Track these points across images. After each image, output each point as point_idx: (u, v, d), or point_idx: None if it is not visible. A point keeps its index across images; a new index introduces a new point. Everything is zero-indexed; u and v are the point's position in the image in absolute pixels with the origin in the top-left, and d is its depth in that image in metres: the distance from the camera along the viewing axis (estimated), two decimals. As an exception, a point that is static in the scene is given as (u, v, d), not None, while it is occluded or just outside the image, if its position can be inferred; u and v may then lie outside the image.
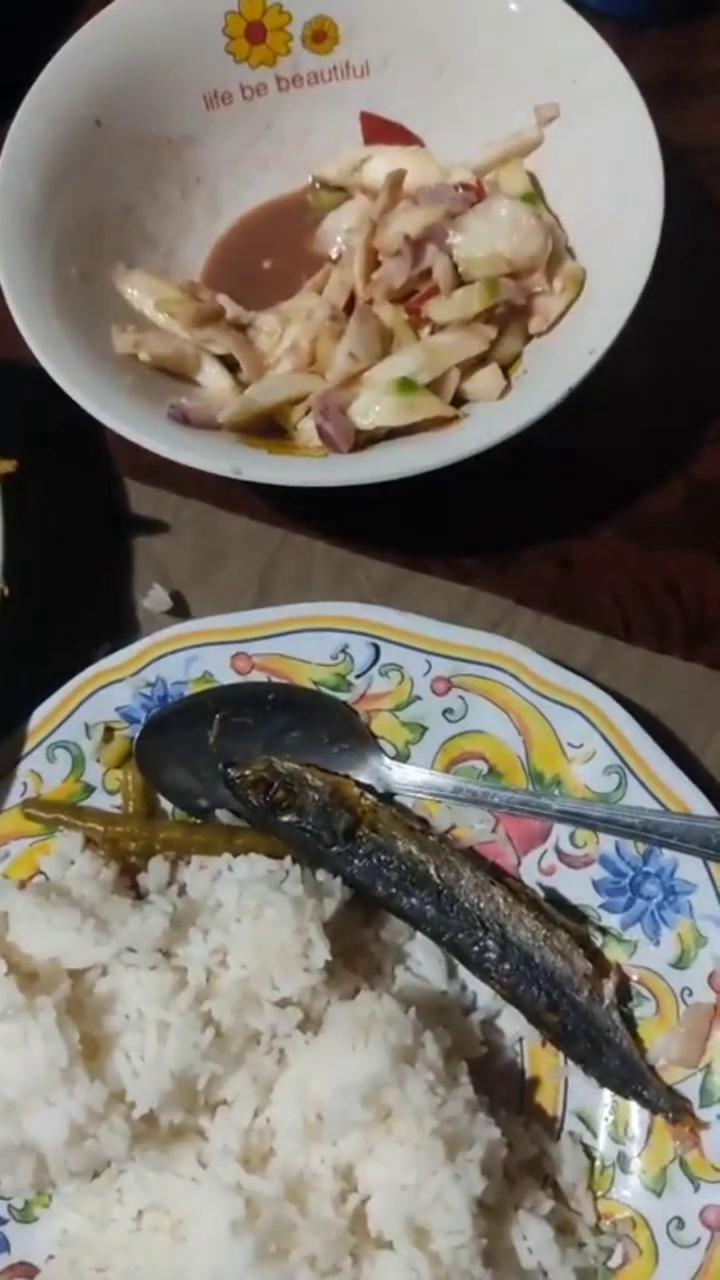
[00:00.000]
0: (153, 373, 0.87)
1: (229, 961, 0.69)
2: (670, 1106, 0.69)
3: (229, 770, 0.76)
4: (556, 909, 0.73)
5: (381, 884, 0.73)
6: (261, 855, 0.74)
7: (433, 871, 0.72)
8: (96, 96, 0.88)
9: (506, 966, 0.71)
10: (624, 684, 0.82)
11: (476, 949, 0.71)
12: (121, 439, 0.78)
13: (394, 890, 0.73)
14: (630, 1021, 0.71)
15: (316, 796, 0.74)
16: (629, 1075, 0.70)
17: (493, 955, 0.71)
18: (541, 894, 0.75)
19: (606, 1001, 0.70)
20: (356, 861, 0.73)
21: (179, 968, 0.69)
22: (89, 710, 0.79)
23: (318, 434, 0.81)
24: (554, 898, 0.75)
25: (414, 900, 0.72)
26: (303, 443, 0.83)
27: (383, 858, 0.73)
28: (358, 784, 0.76)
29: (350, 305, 0.87)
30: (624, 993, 0.72)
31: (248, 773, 0.75)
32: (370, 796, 0.75)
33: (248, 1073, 0.68)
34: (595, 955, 0.72)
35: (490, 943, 0.71)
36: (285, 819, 0.74)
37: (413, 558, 0.88)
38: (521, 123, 0.90)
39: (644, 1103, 0.70)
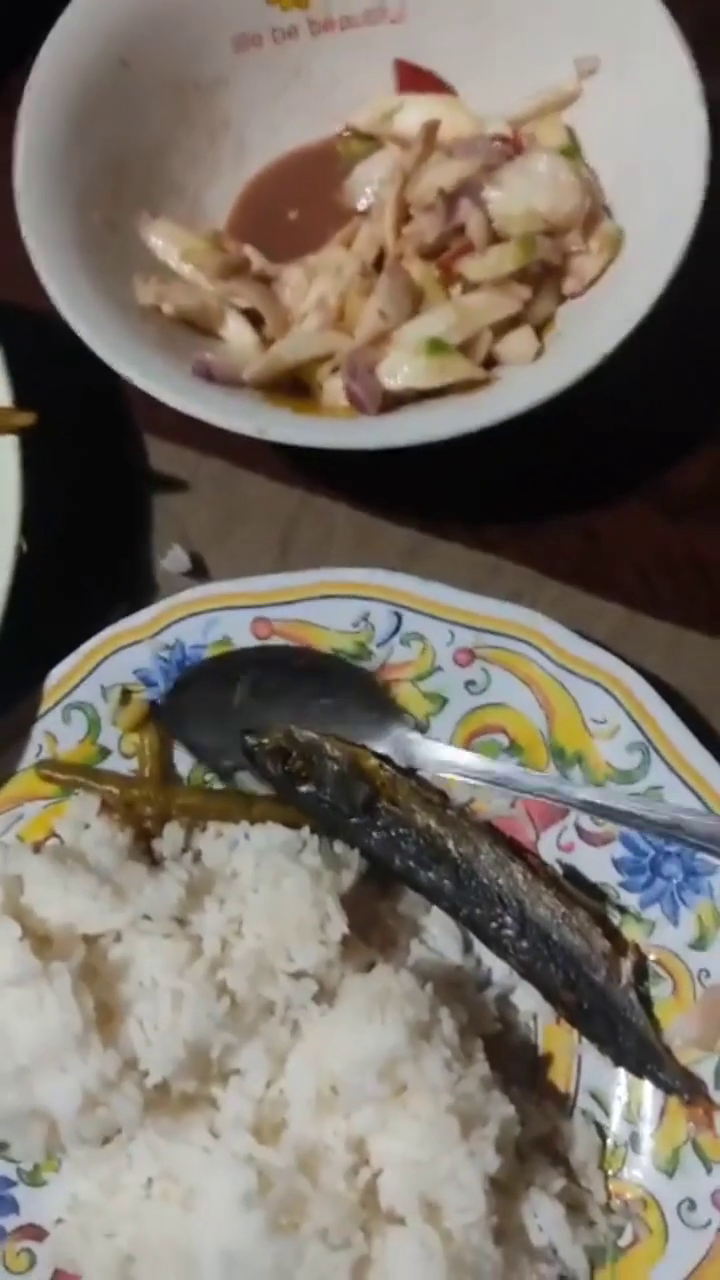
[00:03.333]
0: (175, 325, 0.84)
1: (244, 931, 0.69)
2: (685, 1088, 0.69)
3: (247, 738, 0.74)
4: (575, 887, 0.73)
5: (399, 857, 0.72)
6: (279, 825, 0.73)
7: (451, 846, 0.72)
8: (124, 36, 0.85)
9: (524, 944, 0.70)
10: (648, 659, 0.80)
11: (494, 925, 0.71)
12: (139, 392, 0.76)
13: (411, 864, 0.72)
14: (647, 1001, 0.71)
15: (335, 767, 0.73)
16: (645, 1055, 0.69)
17: (510, 932, 0.70)
18: (560, 871, 0.74)
19: (624, 981, 0.70)
20: (374, 834, 0.72)
21: (194, 936, 0.69)
22: (106, 672, 0.78)
23: (345, 394, 0.79)
24: (572, 875, 0.74)
25: (431, 874, 0.72)
26: (328, 402, 0.81)
27: (401, 831, 0.72)
28: (376, 755, 0.75)
29: (379, 260, 0.84)
30: (641, 973, 0.71)
31: (266, 741, 0.74)
32: (389, 768, 0.74)
33: (261, 1043, 0.67)
34: (613, 934, 0.72)
35: (508, 919, 0.70)
36: (303, 789, 0.73)
37: (435, 523, 0.86)
38: (559, 75, 0.86)
39: (659, 1083, 0.69)
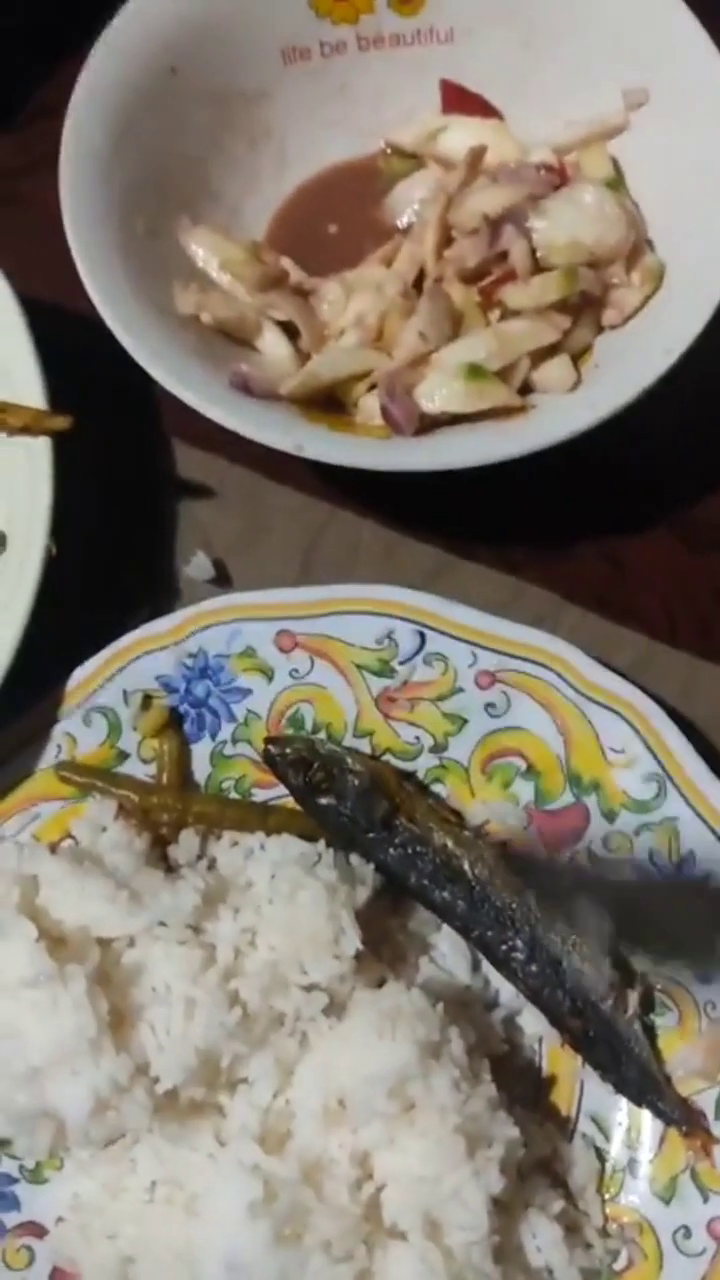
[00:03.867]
0: (212, 334, 0.85)
1: (258, 942, 0.69)
2: (684, 1119, 0.70)
3: (270, 747, 0.75)
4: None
5: (415, 875, 0.73)
6: (295, 836, 0.74)
7: (467, 867, 0.72)
8: (174, 42, 0.85)
9: (533, 968, 0.71)
10: (666, 689, 0.81)
11: (505, 948, 0.71)
12: (170, 398, 0.76)
13: (427, 882, 0.73)
14: (651, 1031, 0.72)
15: (356, 782, 0.73)
16: (646, 1086, 0.70)
17: (520, 956, 0.71)
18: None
19: (630, 1012, 0.70)
20: (392, 850, 0.73)
21: (207, 944, 0.69)
22: (128, 676, 0.78)
23: (381, 414, 0.79)
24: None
25: (446, 894, 0.72)
26: (363, 420, 0.81)
27: (418, 849, 0.72)
28: (398, 772, 0.75)
29: (418, 281, 0.85)
30: (648, 1004, 0.72)
31: (288, 751, 0.75)
32: (409, 785, 0.75)
33: (270, 1054, 0.68)
34: (622, 964, 0.72)
35: (519, 943, 0.71)
36: (323, 801, 0.73)
37: (460, 543, 0.87)
38: (606, 105, 0.87)
39: (659, 1114, 0.70)
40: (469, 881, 0.72)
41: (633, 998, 0.71)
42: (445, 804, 0.76)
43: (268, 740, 0.75)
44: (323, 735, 0.77)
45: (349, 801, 0.73)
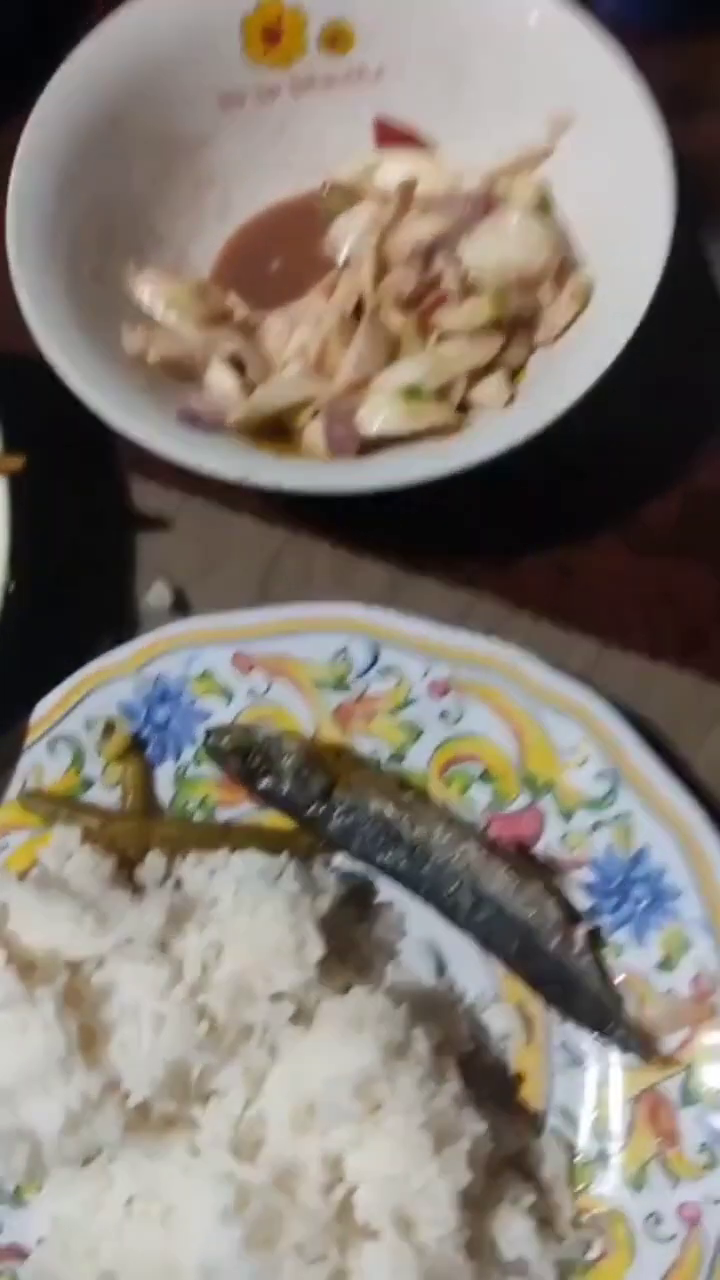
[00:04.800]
0: (161, 372, 0.87)
1: (224, 955, 0.71)
2: (640, 1046, 0.72)
3: (209, 737, 0.78)
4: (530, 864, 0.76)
5: (357, 842, 0.76)
6: (257, 851, 0.76)
7: (405, 829, 0.75)
8: (114, 95, 0.89)
9: (479, 917, 0.74)
10: (619, 690, 0.83)
11: (449, 901, 0.75)
12: (127, 434, 0.79)
13: (369, 848, 0.76)
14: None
15: (291, 760, 0.76)
16: (601, 1016, 0.73)
17: (465, 907, 0.74)
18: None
19: (578, 948, 0.73)
20: (333, 822, 0.76)
21: (175, 960, 0.71)
22: (91, 705, 0.80)
23: (325, 439, 0.82)
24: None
25: (388, 857, 0.75)
26: (309, 445, 0.84)
27: (358, 818, 0.76)
28: (336, 745, 0.78)
29: (358, 310, 0.88)
30: (596, 938, 0.75)
31: (225, 740, 0.78)
32: (350, 754, 0.78)
33: (240, 1064, 0.69)
34: (567, 904, 0.75)
35: (462, 895, 0.74)
36: (263, 784, 0.77)
37: (413, 560, 0.89)
38: (533, 132, 0.90)
39: (617, 1041, 0.72)
40: (408, 843, 0.75)
41: (579, 933, 0.73)
42: (388, 772, 0.79)
43: (207, 731, 0.78)
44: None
45: (287, 781, 0.76)
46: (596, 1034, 0.73)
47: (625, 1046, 0.72)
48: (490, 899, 0.74)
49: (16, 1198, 0.73)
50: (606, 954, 0.75)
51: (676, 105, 0.89)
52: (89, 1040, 0.68)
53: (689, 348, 0.91)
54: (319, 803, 0.76)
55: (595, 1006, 0.73)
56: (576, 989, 0.73)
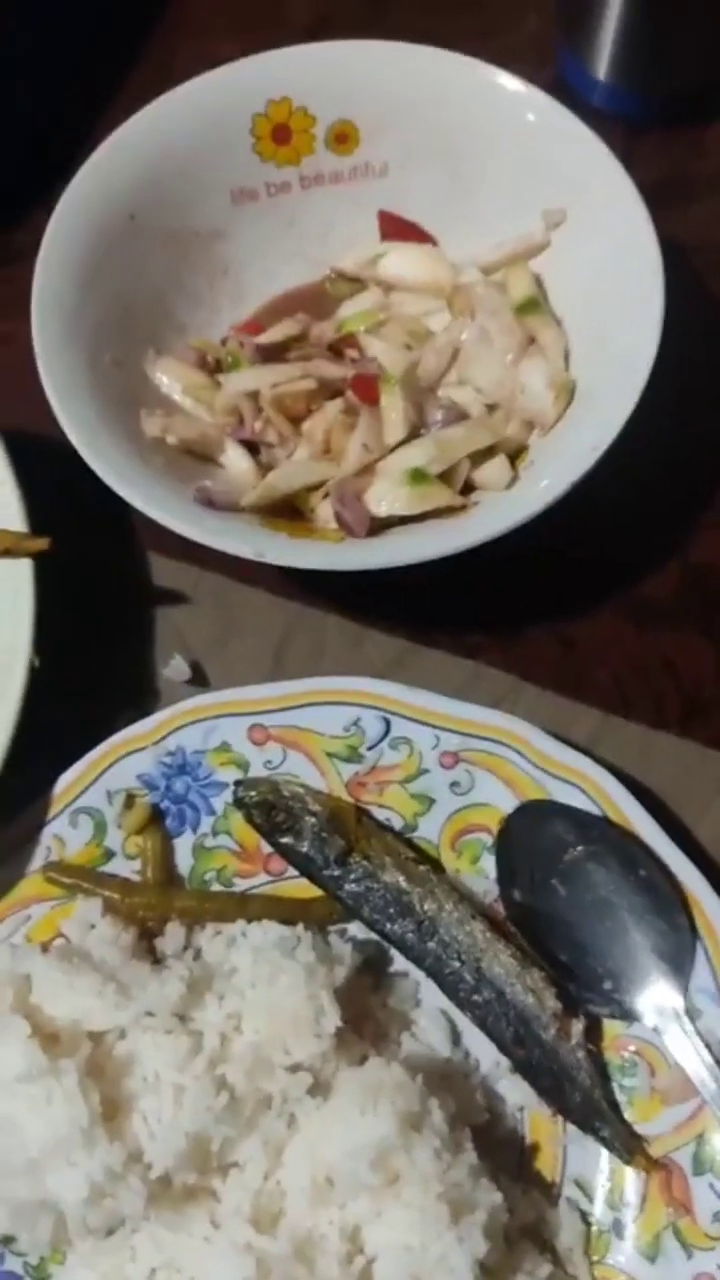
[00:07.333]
0: (178, 454, 0.91)
1: (243, 1026, 0.72)
2: (626, 1147, 0.72)
3: (237, 789, 0.80)
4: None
5: (368, 909, 0.77)
6: (274, 922, 0.77)
7: (416, 902, 0.77)
8: (131, 193, 0.94)
9: (478, 998, 0.75)
10: (622, 759, 0.85)
11: (451, 978, 0.76)
12: (144, 515, 0.82)
13: (378, 916, 0.77)
14: (600, 1062, 0.75)
15: (313, 821, 0.78)
16: (589, 1113, 0.73)
17: (467, 986, 0.75)
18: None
19: (573, 1040, 0.74)
20: (347, 886, 0.78)
21: (194, 1032, 0.72)
22: (111, 777, 0.83)
23: (335, 519, 0.85)
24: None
25: (396, 927, 0.77)
26: (320, 525, 0.87)
27: (371, 885, 0.77)
28: (358, 809, 0.80)
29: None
30: (592, 1034, 0.75)
31: (254, 794, 0.80)
32: (369, 820, 0.79)
33: (259, 1136, 0.70)
34: (567, 996, 0.76)
35: (465, 974, 0.75)
36: (284, 840, 0.79)
37: (421, 633, 0.92)
38: (530, 225, 0.95)
39: (602, 1141, 0.73)
40: (418, 916, 0.76)
41: (576, 1027, 0.74)
42: (405, 839, 0.80)
43: (236, 783, 0.80)
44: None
45: (307, 840, 0.78)
46: (585, 1130, 0.73)
47: (611, 1148, 0.73)
48: (491, 981, 0.75)
49: (40, 1271, 0.74)
50: (616, 1023, 0.76)
51: (667, 192, 0.94)
52: (112, 1111, 0.70)
53: (683, 426, 0.95)
54: (335, 865, 0.78)
55: (585, 1103, 0.73)
56: (569, 1082, 0.73)
